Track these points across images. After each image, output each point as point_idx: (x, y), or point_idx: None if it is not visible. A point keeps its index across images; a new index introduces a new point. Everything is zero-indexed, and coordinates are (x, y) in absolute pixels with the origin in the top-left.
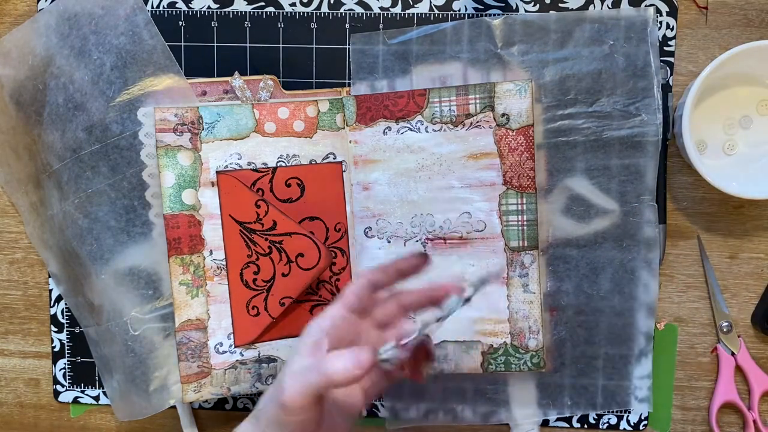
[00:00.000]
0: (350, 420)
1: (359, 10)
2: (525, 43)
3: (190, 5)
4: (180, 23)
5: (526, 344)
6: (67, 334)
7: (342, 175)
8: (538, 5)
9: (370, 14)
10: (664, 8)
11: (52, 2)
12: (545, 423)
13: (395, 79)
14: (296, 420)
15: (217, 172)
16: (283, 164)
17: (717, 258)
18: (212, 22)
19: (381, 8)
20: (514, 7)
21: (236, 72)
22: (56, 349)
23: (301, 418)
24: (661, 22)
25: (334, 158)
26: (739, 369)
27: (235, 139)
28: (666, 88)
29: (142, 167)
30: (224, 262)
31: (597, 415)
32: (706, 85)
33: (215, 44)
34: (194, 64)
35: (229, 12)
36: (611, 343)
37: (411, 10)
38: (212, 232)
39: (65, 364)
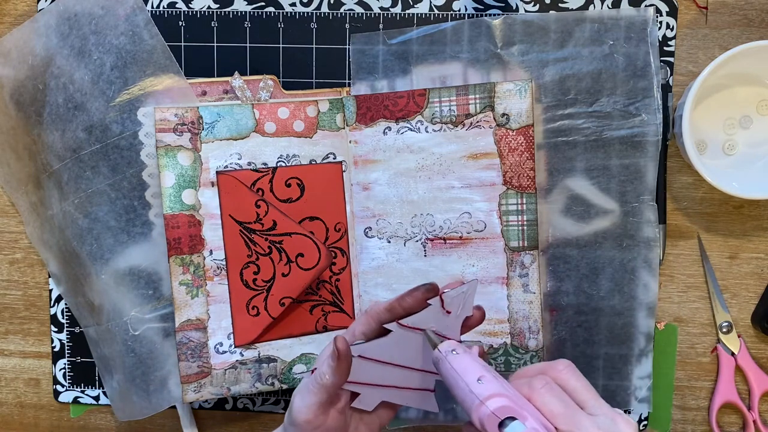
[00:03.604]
0: (378, 428)
1: (359, 10)
2: (525, 43)
3: (190, 5)
4: (180, 23)
5: (526, 344)
6: (67, 334)
7: (342, 175)
8: (538, 5)
9: (370, 14)
10: (664, 8)
11: (52, 2)
12: None
13: (395, 79)
14: None
15: (217, 172)
16: (283, 164)
17: (717, 258)
18: (212, 22)
19: (381, 8)
20: (514, 7)
21: (236, 72)
22: (56, 349)
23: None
24: (661, 22)
25: (334, 158)
26: (739, 369)
27: (235, 139)
28: (666, 88)
29: (142, 167)
30: (224, 262)
31: None
32: (706, 85)
33: (215, 44)
34: (194, 64)
35: (229, 12)
36: (611, 343)
37: (411, 10)
38: (212, 232)
39: (65, 364)
